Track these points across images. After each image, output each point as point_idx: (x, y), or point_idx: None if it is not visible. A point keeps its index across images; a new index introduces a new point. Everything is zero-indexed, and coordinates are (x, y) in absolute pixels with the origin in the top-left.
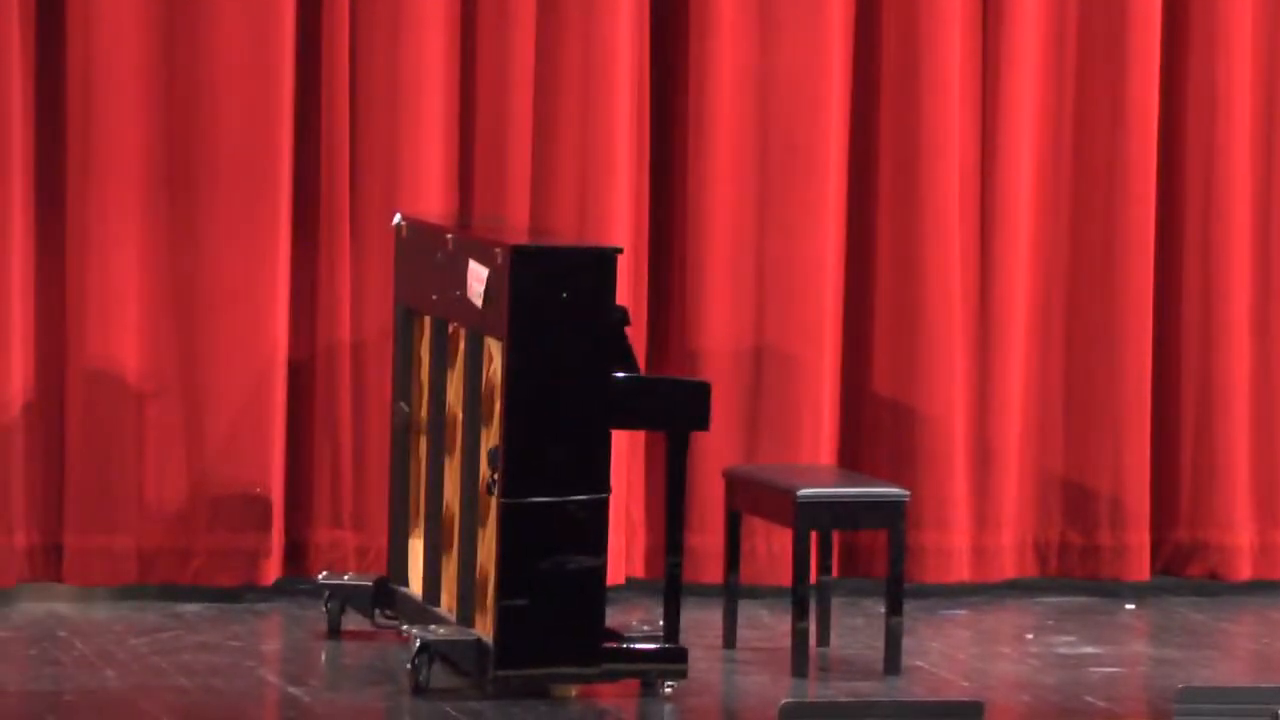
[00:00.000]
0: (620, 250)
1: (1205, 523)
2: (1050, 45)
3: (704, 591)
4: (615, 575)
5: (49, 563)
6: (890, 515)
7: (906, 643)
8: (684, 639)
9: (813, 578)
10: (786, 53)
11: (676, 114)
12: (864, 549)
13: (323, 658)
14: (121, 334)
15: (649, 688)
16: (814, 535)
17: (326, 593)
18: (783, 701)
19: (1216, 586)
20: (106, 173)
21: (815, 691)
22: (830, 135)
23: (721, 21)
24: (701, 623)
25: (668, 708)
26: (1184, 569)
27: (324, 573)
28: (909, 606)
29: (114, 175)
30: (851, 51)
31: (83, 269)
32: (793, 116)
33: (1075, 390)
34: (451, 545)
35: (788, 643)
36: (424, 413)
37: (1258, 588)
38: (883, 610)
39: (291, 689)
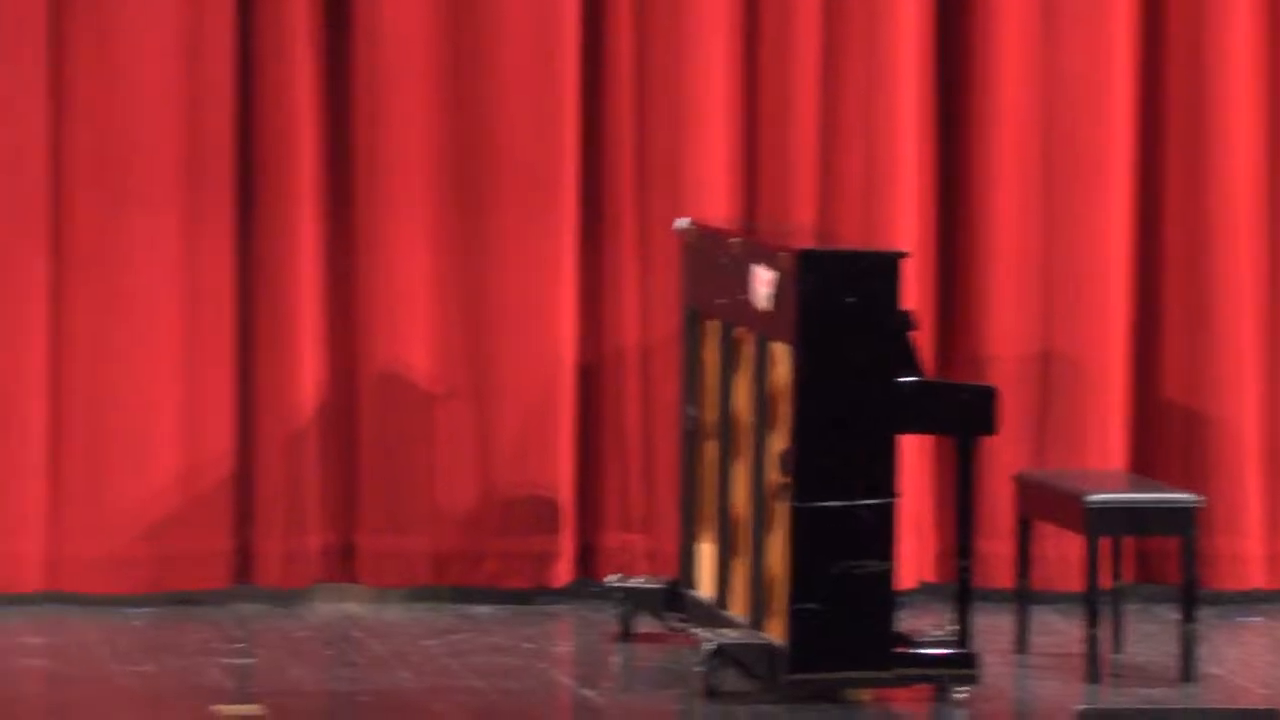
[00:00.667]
0: (906, 254)
1: None
2: None
3: (995, 597)
4: (907, 580)
5: (343, 563)
6: (1182, 522)
7: (1201, 650)
8: (975, 644)
9: (1104, 583)
10: (1071, 52)
11: (960, 116)
12: (1155, 554)
13: (614, 661)
14: (412, 338)
15: (941, 693)
16: (1105, 541)
17: (618, 596)
18: (1081, 708)
19: None
20: (395, 179)
21: (1109, 698)
22: (1115, 135)
23: (1006, 22)
24: (993, 628)
25: (959, 713)
26: None
27: (615, 576)
28: (1202, 613)
29: (402, 181)
30: (1137, 49)
31: (372, 274)
32: (1077, 116)
33: None
34: (741, 549)
35: (1079, 648)
36: (711, 417)
37: None
38: (1175, 616)
39: (584, 691)
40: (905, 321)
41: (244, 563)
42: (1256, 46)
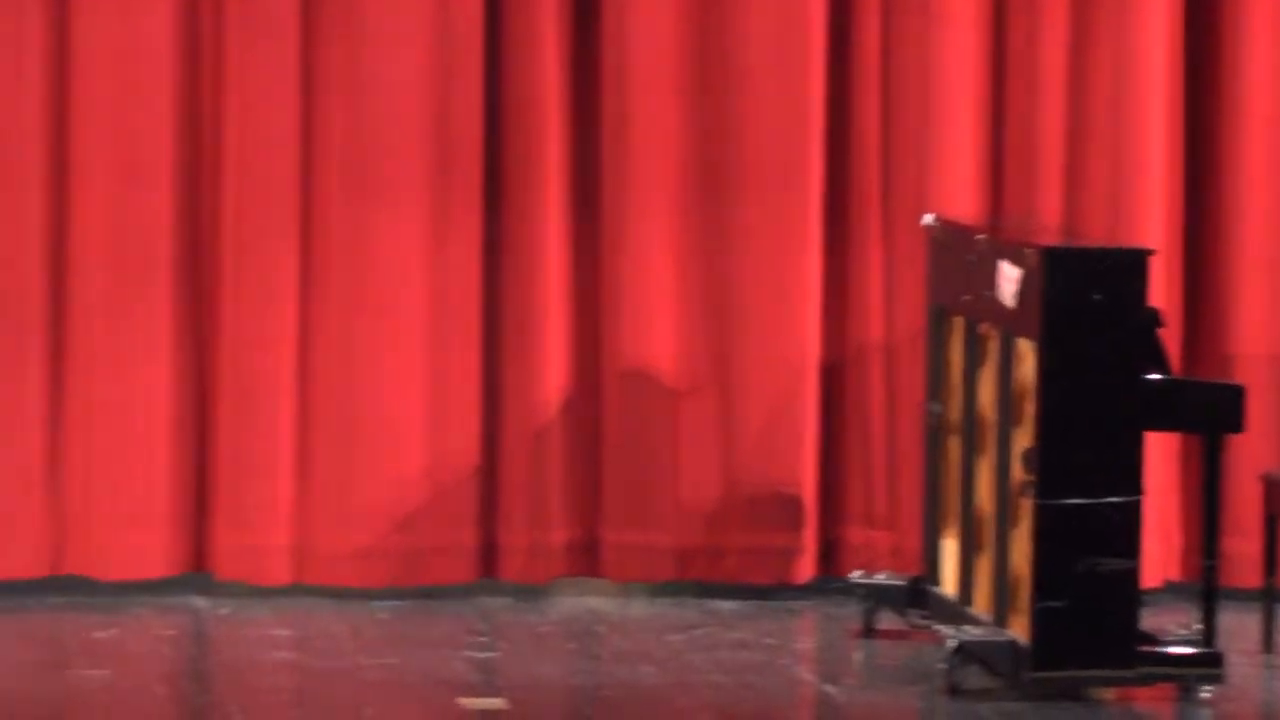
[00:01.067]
0: (1153, 252)
1: None
2: None
3: (1241, 596)
4: (1152, 578)
5: (586, 559)
6: None
7: None
8: (1221, 643)
9: None
10: None
11: (1209, 111)
12: None
13: (856, 657)
14: (656, 335)
15: (1186, 693)
16: None
17: (860, 592)
18: None
19: None
20: (640, 178)
21: None
22: None
23: (1255, 15)
24: (1239, 627)
25: (1205, 713)
26: None
27: (858, 572)
28: None
29: (647, 177)
30: None
31: (617, 272)
32: None
33: None
34: (985, 546)
35: None
36: (955, 413)
37: None
38: None
39: (826, 687)
40: (1152, 319)
41: (488, 557)
42: None
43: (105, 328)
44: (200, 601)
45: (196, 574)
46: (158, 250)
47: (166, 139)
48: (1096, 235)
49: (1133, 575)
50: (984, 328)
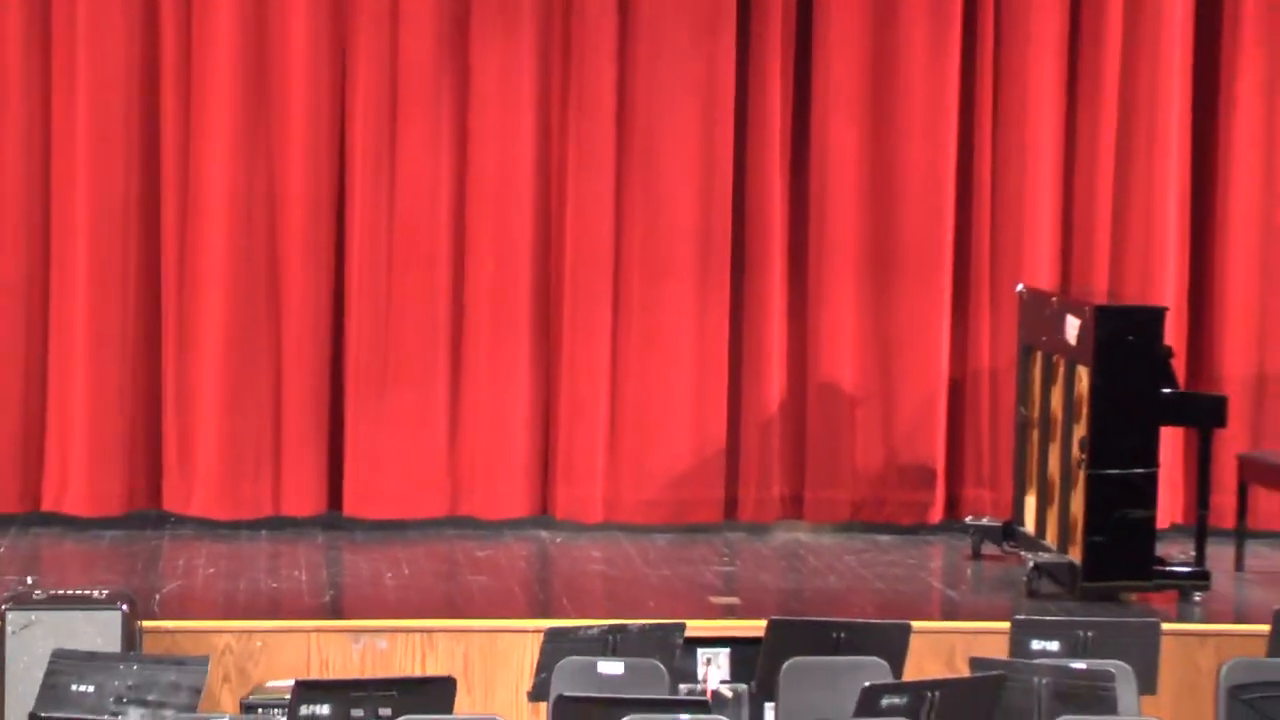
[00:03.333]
0: (1166, 308)
1: None
2: None
3: (1223, 534)
4: (1164, 522)
5: (794, 506)
6: None
7: None
8: (1208, 564)
9: None
10: None
11: (1207, 199)
12: None
13: (969, 572)
14: (841, 360)
15: (1184, 596)
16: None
17: (972, 530)
18: (1278, 608)
19: None
20: (833, 256)
21: None
22: None
23: (1252, 123)
24: (1220, 554)
25: (1196, 609)
26: None
27: (970, 516)
28: None
29: (838, 258)
30: None
31: (818, 319)
32: None
33: None
34: (1053, 500)
35: (1278, 568)
36: (1035, 414)
37: None
38: None
39: (949, 591)
40: (1166, 352)
41: (730, 506)
42: None
43: (487, 353)
44: (544, 533)
45: (543, 515)
46: (520, 305)
47: (528, 227)
48: (1130, 296)
49: (1151, 520)
50: (1055, 358)
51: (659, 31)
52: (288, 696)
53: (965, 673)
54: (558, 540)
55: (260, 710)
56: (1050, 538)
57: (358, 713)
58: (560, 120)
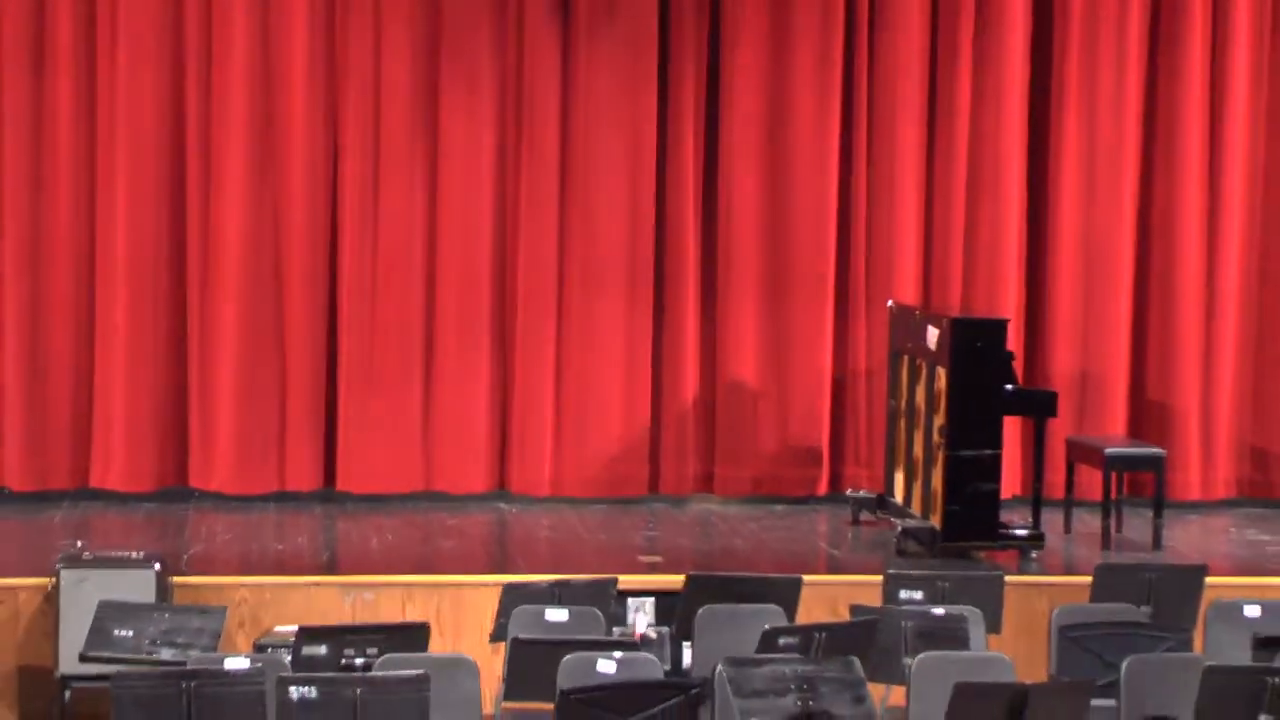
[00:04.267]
0: (1008, 320)
1: None
2: None
3: (1053, 504)
4: (1007, 493)
5: (706, 482)
6: (1155, 463)
7: (1165, 533)
8: (1042, 528)
9: (1113, 496)
10: (1103, 209)
11: (1040, 223)
12: (1141, 480)
13: (849, 535)
14: (745, 361)
15: (1023, 554)
16: (1114, 473)
17: (851, 500)
18: (1098, 563)
19: None
20: (738, 276)
21: (1115, 557)
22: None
23: (1069, 163)
24: (1052, 520)
25: (1033, 564)
26: None
27: (850, 489)
28: (1167, 513)
29: (743, 277)
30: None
31: (725, 328)
32: (1108, 234)
33: None
34: (917, 476)
35: (1098, 531)
36: (903, 406)
37: None
38: (1149, 514)
39: (832, 551)
40: (1008, 356)
41: (654, 480)
42: None
43: (454, 357)
44: (502, 505)
45: (500, 490)
46: (480, 318)
47: (487, 255)
48: (979, 308)
49: (996, 492)
50: (919, 361)
51: (593, 97)
52: (292, 639)
53: (846, 617)
54: (513, 510)
55: (270, 650)
56: (915, 507)
57: (349, 652)
58: (514, 169)
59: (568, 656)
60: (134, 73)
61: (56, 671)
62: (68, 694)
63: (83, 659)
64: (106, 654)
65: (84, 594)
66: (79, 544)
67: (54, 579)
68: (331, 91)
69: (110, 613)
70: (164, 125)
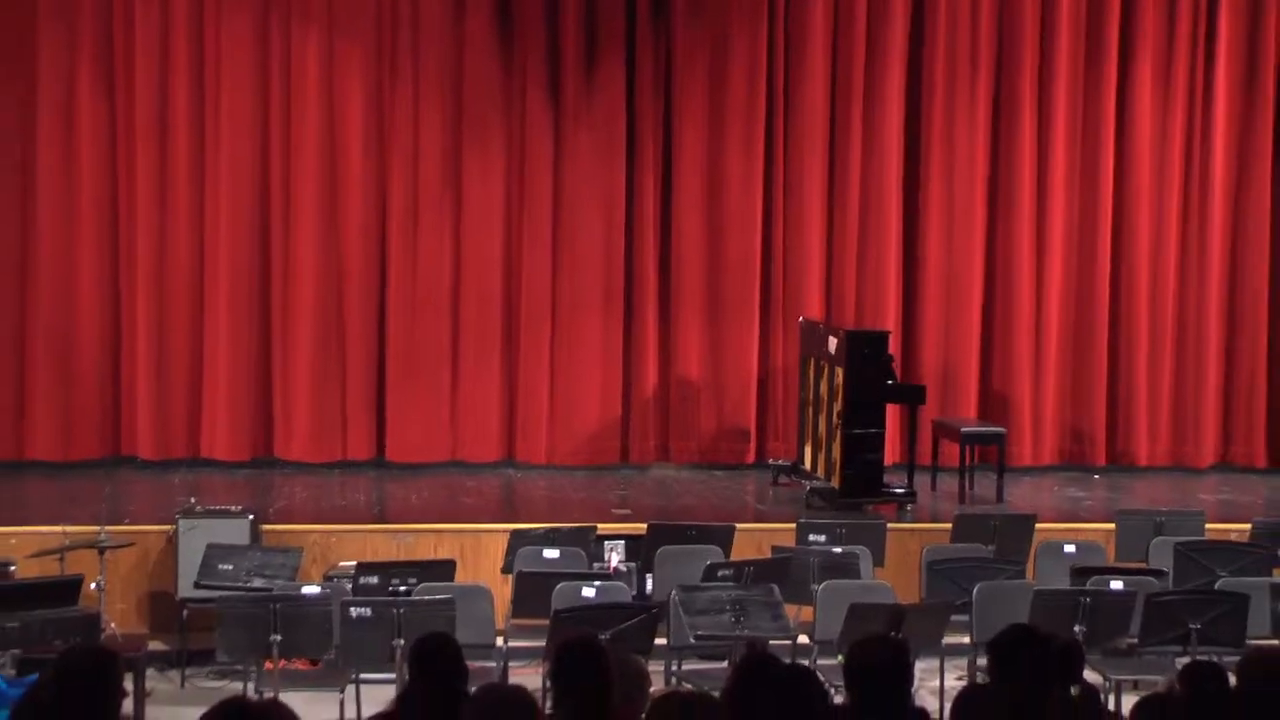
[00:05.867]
0: (889, 331)
1: None
2: None
3: (922, 470)
4: (888, 460)
5: (663, 452)
6: (998, 439)
7: (1007, 491)
8: (915, 488)
9: (967, 463)
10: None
11: (919, 254)
12: (990, 451)
13: (770, 494)
14: (692, 362)
15: (900, 507)
16: (968, 447)
17: (773, 466)
18: (956, 512)
19: None
20: (687, 292)
21: (969, 508)
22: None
23: (959, 193)
24: (922, 482)
25: (908, 515)
26: None
27: (771, 459)
28: (1007, 477)
29: (691, 294)
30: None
31: (675, 335)
32: (965, 260)
33: None
34: (822, 448)
35: (956, 490)
36: (810, 396)
37: None
38: (994, 477)
39: (758, 505)
40: (889, 359)
41: (625, 452)
42: None
43: (474, 358)
44: (510, 470)
45: (508, 460)
46: (493, 328)
47: (498, 280)
48: (867, 321)
49: (880, 461)
50: (822, 362)
51: (578, 162)
52: (352, 572)
53: (768, 555)
54: (517, 475)
55: (335, 580)
56: (820, 472)
57: (395, 582)
58: (518, 216)
59: (559, 585)
60: (234, 139)
61: (176, 595)
62: (185, 612)
63: (196, 586)
64: (213, 583)
65: (196, 537)
66: (192, 500)
67: (174, 526)
68: (380, 155)
69: (216, 552)
70: (255, 180)
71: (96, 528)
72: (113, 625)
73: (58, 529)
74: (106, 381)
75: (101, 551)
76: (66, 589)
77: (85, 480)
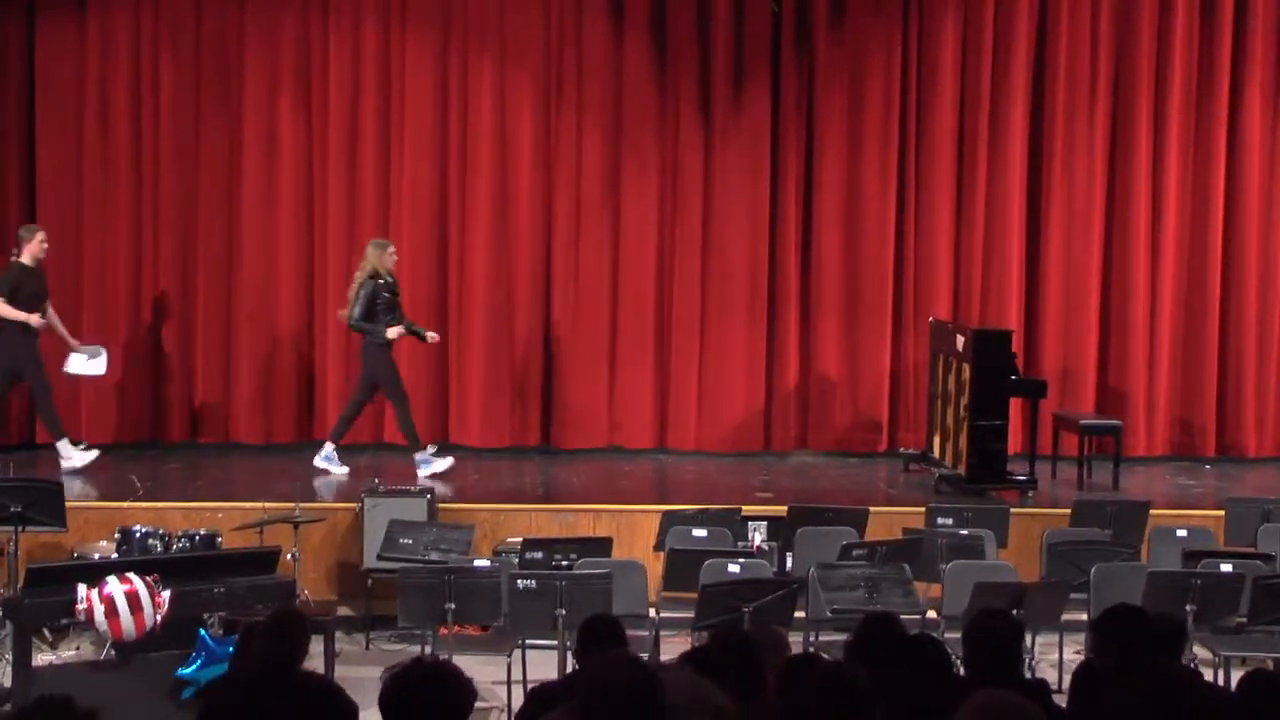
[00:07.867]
0: (1012, 330)
1: None
2: None
3: (1043, 457)
4: (1011, 450)
5: (809, 443)
6: (1115, 431)
7: (1124, 479)
8: (1036, 475)
9: (1086, 452)
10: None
11: (1040, 258)
12: (1109, 441)
13: (901, 480)
14: (830, 359)
15: (1023, 493)
16: (1088, 439)
17: (903, 454)
18: (1075, 499)
19: None
20: (826, 296)
21: (1088, 495)
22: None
23: (1077, 202)
24: (1043, 470)
25: (1029, 500)
26: None
27: (902, 448)
28: (1123, 465)
29: (830, 297)
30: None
31: (815, 333)
32: (1084, 267)
33: None
34: (950, 439)
35: (1075, 477)
36: (940, 390)
37: None
38: (1110, 466)
39: (890, 490)
40: (1012, 355)
41: (767, 440)
42: None
43: (631, 358)
44: (662, 456)
45: (661, 447)
46: (646, 329)
47: (651, 285)
48: (991, 320)
49: (1004, 450)
50: (950, 359)
51: (726, 176)
52: (519, 547)
53: (899, 536)
54: (670, 461)
55: (503, 555)
56: (948, 460)
57: (558, 557)
58: (670, 226)
59: (707, 561)
60: (416, 158)
61: (362, 566)
62: (370, 581)
63: (379, 558)
64: (395, 555)
65: (380, 514)
66: (376, 480)
67: (360, 504)
68: (547, 171)
69: (397, 527)
70: (435, 195)
71: (292, 504)
72: (306, 592)
73: (258, 505)
74: (303, 375)
75: (296, 526)
76: (266, 559)
77: (283, 461)
